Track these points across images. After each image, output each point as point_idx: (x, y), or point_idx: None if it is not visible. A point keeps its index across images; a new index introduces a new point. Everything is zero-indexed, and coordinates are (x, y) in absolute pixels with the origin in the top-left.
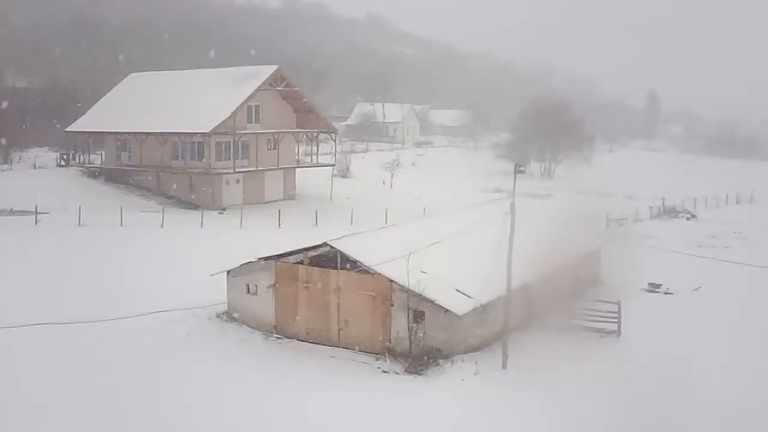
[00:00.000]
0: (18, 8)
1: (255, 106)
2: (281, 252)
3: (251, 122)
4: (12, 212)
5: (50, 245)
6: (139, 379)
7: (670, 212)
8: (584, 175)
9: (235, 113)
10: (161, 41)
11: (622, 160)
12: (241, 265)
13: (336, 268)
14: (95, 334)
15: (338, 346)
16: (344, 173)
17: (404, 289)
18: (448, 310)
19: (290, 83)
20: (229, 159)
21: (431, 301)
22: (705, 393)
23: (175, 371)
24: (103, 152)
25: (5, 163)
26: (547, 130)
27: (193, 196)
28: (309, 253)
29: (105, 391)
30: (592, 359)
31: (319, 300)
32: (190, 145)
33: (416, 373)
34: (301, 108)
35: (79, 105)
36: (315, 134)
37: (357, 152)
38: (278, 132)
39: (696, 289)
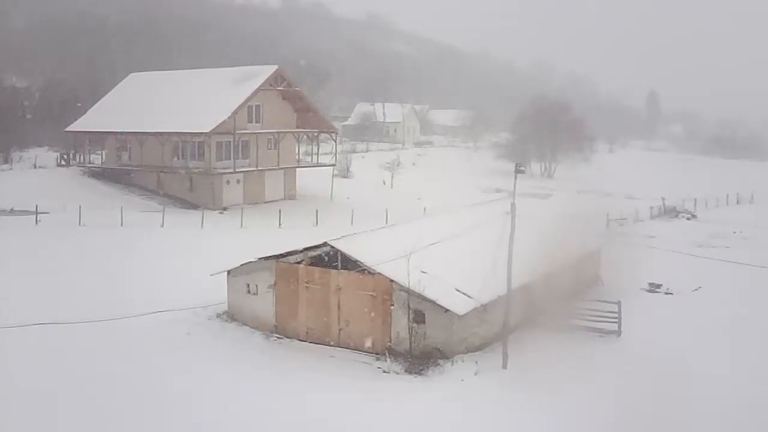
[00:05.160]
0: (18, 8)
1: (255, 106)
2: (281, 252)
3: (251, 122)
4: (12, 212)
5: (50, 245)
6: (139, 378)
7: (670, 212)
8: (584, 175)
9: (235, 113)
10: (161, 41)
11: (622, 160)
12: (241, 265)
13: (336, 268)
14: (95, 334)
15: (338, 346)
16: (345, 173)
17: (404, 289)
18: (448, 310)
19: (290, 83)
20: (230, 159)
21: (432, 301)
22: (705, 393)
23: (175, 371)
24: (104, 152)
25: (5, 163)
26: (547, 130)
27: (193, 196)
28: (309, 253)
29: (104, 391)
30: (592, 359)
31: (319, 300)
32: (191, 145)
33: (417, 373)
34: (301, 108)
35: (79, 105)
36: (315, 134)
37: (357, 152)
38: (278, 132)
39: (696, 289)
